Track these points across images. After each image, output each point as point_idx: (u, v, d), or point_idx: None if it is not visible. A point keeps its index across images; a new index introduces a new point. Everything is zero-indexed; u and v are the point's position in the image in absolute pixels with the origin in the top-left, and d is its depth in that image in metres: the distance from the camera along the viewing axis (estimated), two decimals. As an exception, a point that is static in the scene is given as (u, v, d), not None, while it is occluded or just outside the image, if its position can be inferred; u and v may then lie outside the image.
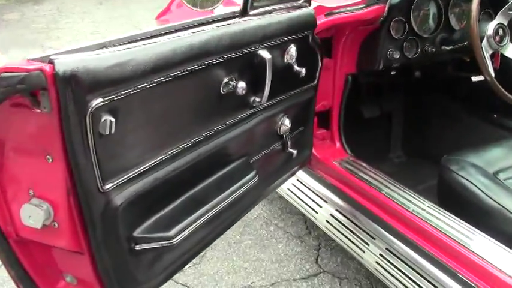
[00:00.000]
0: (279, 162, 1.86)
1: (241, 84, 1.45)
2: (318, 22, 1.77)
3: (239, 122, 1.55)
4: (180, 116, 1.33)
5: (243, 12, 1.49)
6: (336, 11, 1.94)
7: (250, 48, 1.47)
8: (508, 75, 2.18)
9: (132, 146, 1.21)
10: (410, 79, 2.42)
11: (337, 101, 2.20)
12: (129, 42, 1.19)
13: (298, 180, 2.30)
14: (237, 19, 1.47)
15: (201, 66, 1.30)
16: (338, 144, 2.25)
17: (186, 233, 1.33)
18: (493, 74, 1.91)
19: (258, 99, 1.56)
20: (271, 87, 1.56)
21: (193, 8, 1.71)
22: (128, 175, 1.21)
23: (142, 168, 1.24)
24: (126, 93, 1.12)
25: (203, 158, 1.42)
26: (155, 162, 1.27)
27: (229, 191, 1.49)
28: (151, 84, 1.18)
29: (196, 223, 1.37)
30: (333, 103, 2.20)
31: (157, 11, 3.17)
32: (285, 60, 1.64)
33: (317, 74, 1.87)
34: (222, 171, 1.53)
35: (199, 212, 1.39)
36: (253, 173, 1.60)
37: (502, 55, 2.04)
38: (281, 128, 1.77)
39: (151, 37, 1.25)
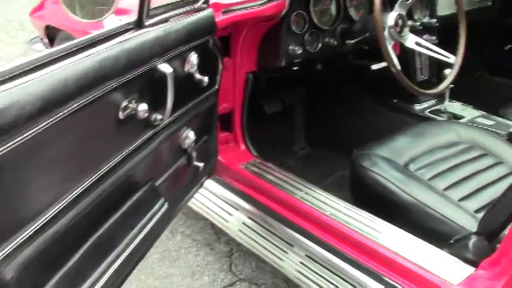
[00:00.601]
0: (186, 178, 1.76)
1: (142, 106, 1.31)
2: (216, 20, 1.66)
3: (141, 146, 1.41)
4: (77, 155, 1.16)
5: (139, 24, 1.35)
6: (234, 7, 1.85)
7: (150, 64, 1.33)
8: (406, 63, 2.22)
9: (21, 203, 1.03)
10: (312, 71, 2.40)
11: (239, 102, 2.12)
12: (7, 79, 0.99)
13: (204, 187, 2.20)
14: (132, 32, 1.33)
15: (97, 94, 1.15)
16: (243, 147, 2.18)
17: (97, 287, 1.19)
18: (399, 67, 1.93)
19: (160, 117, 1.43)
20: (173, 101, 1.44)
21: (76, 18, 1.52)
22: (19, 239, 1.01)
23: (37, 225, 1.05)
24: (9, 145, 0.94)
25: (106, 194, 1.27)
26: (53, 213, 1.09)
27: (138, 226, 1.37)
28: (40, 127, 1.00)
29: (107, 274, 1.23)
30: (234, 104, 2.12)
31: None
32: (186, 69, 1.53)
33: (218, 78, 1.78)
34: (127, 204, 1.39)
35: (109, 259, 1.25)
36: (161, 200, 1.49)
37: (402, 44, 2.06)
38: (185, 142, 1.66)
39: (36, 68, 1.07)
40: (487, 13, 2.76)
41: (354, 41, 2.09)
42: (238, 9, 1.85)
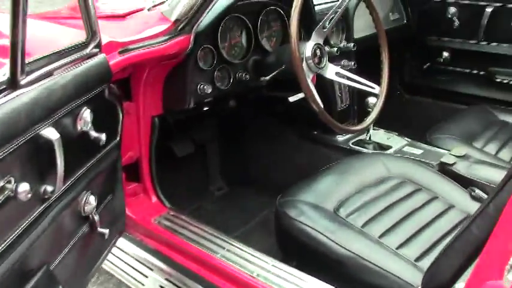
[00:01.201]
0: (92, 246, 1.54)
1: (23, 187, 1.09)
2: (112, 62, 1.48)
3: (30, 227, 1.19)
4: None
5: (12, 83, 1.12)
6: (132, 46, 1.65)
7: (30, 132, 1.12)
8: (324, 92, 2.10)
9: None
10: (224, 108, 2.24)
11: (146, 149, 1.92)
12: None
13: (115, 246, 1.99)
14: (4, 95, 1.10)
15: None
16: (154, 199, 1.99)
17: None
18: (321, 105, 1.80)
19: (50, 189, 1.21)
20: (65, 167, 1.23)
21: None
22: None
23: None
24: None
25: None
26: None
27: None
28: None
29: None
30: (141, 152, 1.92)
31: None
32: (79, 128, 1.32)
33: (119, 129, 1.58)
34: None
35: None
36: (59, 288, 1.26)
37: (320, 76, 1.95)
38: (85, 208, 1.44)
39: None
40: (404, 32, 2.73)
41: (269, 77, 1.94)
42: (137, 48, 1.66)
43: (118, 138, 1.58)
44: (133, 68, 1.75)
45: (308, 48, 1.83)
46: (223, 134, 2.57)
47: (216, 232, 1.84)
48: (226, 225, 2.18)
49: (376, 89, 1.99)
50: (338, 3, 1.89)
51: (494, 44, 2.65)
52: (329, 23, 1.89)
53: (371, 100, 2.09)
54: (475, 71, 2.76)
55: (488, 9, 2.60)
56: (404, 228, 1.66)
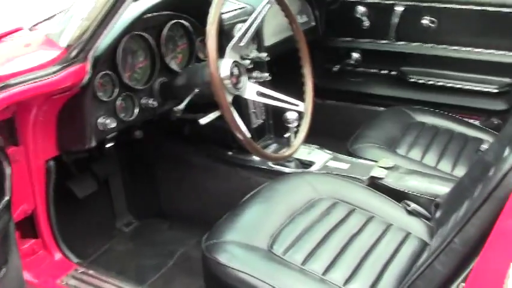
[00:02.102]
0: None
1: None
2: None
3: None
4: None
5: None
6: (14, 80, 1.38)
7: None
8: (237, 108, 1.92)
9: None
10: (128, 139, 1.99)
11: (42, 199, 1.66)
12: None
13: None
14: None
15: None
16: (58, 255, 1.73)
17: None
18: (248, 134, 1.62)
19: None
20: None
21: None
22: None
23: None
24: None
25: None
26: None
27: None
28: None
29: None
30: (36, 203, 1.64)
31: None
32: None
33: (7, 184, 1.31)
34: None
35: None
36: None
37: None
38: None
39: None
40: (312, 34, 2.61)
41: (182, 105, 1.70)
42: (22, 82, 1.38)
43: (7, 197, 1.32)
44: (17, 107, 1.47)
45: (224, 67, 1.63)
46: (128, 163, 2.32)
47: (131, 284, 1.61)
48: (142, 270, 1.98)
49: (301, 106, 1.83)
50: (254, 13, 1.71)
51: (406, 43, 2.60)
52: (245, 36, 1.71)
53: (290, 115, 1.94)
54: (387, 72, 2.70)
55: (398, 8, 2.55)
56: (347, 260, 1.53)
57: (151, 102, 1.75)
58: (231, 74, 1.65)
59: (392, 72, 2.69)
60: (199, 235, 1.72)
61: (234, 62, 1.67)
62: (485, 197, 1.08)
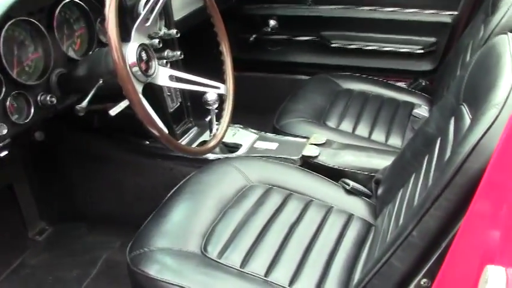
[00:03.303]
0: None
1: None
2: None
3: None
4: None
5: None
6: None
7: None
8: (151, 93, 1.73)
9: None
10: (28, 142, 1.76)
11: None
12: None
13: None
14: None
15: None
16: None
17: None
18: (165, 130, 1.44)
19: None
20: None
21: None
22: None
23: None
24: None
25: None
26: None
27: None
28: None
29: None
30: None
31: None
32: None
33: None
34: None
35: None
36: None
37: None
38: None
39: None
40: (225, 2, 2.42)
41: (85, 102, 1.47)
42: None
43: None
44: None
45: (130, 52, 1.43)
46: (35, 166, 2.08)
47: None
48: (62, 284, 1.84)
49: (222, 88, 1.66)
50: None
51: (325, 6, 2.47)
52: (151, 14, 1.50)
53: (209, 96, 1.78)
54: (308, 38, 2.56)
55: None
56: (290, 254, 1.42)
57: (50, 99, 1.52)
58: (139, 59, 1.45)
59: (313, 38, 2.55)
60: (123, 236, 1.56)
61: (141, 45, 1.47)
62: (444, 184, 0.97)
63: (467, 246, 0.89)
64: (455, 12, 2.37)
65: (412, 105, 2.25)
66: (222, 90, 1.68)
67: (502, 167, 0.88)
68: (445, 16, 2.39)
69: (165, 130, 1.48)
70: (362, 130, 2.09)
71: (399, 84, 2.50)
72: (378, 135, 2.07)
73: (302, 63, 2.59)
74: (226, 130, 1.73)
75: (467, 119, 1.15)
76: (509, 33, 1.21)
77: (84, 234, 2.11)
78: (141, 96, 1.43)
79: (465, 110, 1.21)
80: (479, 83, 1.17)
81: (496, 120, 0.94)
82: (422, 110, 2.18)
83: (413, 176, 1.42)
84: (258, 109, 2.37)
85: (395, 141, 2.05)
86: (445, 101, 1.43)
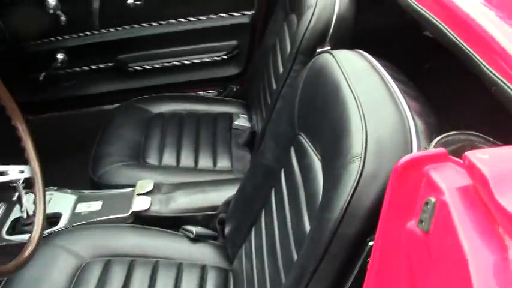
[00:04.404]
0: None
1: None
2: None
3: None
4: None
5: None
6: None
7: None
8: None
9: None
10: None
11: None
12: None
13: None
14: None
15: None
16: None
17: None
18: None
19: None
20: None
21: None
22: None
23: None
24: None
25: None
26: None
27: None
28: None
29: None
30: None
31: None
32: None
33: None
34: None
35: None
36: None
37: None
38: None
39: None
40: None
41: None
42: None
43: None
44: None
45: None
46: None
47: None
48: None
49: (26, 171, 1.40)
50: None
51: (114, 29, 2.26)
52: None
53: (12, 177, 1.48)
54: (103, 65, 2.34)
55: None
56: None
57: None
58: None
59: (109, 64, 2.35)
60: None
61: None
62: (320, 255, 0.90)
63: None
64: (252, 12, 2.32)
65: (230, 116, 2.19)
66: (27, 173, 1.42)
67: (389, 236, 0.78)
68: (243, 17, 2.32)
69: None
70: (187, 159, 1.98)
71: (211, 94, 2.43)
72: (205, 161, 1.98)
73: (103, 93, 2.37)
74: (42, 229, 1.41)
75: (313, 156, 1.11)
76: (334, 53, 1.15)
77: None
78: None
79: (305, 141, 1.17)
80: (316, 114, 1.11)
81: (361, 176, 0.85)
82: (242, 121, 2.13)
83: (263, 212, 1.36)
84: (69, 155, 2.13)
85: (224, 163, 1.97)
86: (277, 128, 1.37)
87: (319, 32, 1.55)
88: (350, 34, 1.58)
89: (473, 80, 0.89)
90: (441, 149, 0.66)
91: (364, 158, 0.85)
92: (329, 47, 1.55)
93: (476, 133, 0.72)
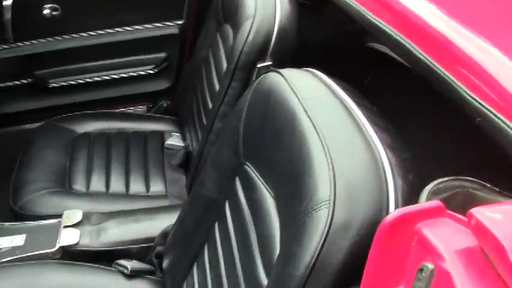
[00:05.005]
0: None
1: None
2: None
3: None
4: None
5: None
6: None
7: None
8: None
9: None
10: None
11: None
12: None
13: None
14: None
15: None
16: None
17: None
18: None
19: None
20: None
21: None
22: None
23: None
24: None
25: None
26: None
27: None
28: None
29: None
30: None
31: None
32: None
33: None
34: None
35: None
36: None
37: None
38: None
39: None
40: None
41: None
42: None
43: None
44: None
45: None
46: None
47: None
48: None
49: None
50: None
51: (30, 42, 2.08)
52: None
53: None
54: (20, 82, 2.15)
55: (6, 2, 1.96)
56: None
57: None
58: None
59: (28, 81, 2.16)
60: None
61: None
62: None
63: None
64: (181, 21, 2.20)
65: (161, 134, 2.05)
66: None
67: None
68: (172, 27, 2.19)
69: None
70: (117, 184, 1.83)
71: (140, 111, 2.29)
72: (137, 186, 1.83)
73: (22, 111, 2.18)
74: None
75: (263, 190, 1.00)
76: (284, 72, 1.05)
77: None
78: None
79: (252, 172, 1.06)
80: (266, 144, 1.01)
81: (331, 226, 0.73)
82: (175, 140, 2.00)
83: (206, 247, 1.25)
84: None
85: (158, 187, 1.84)
86: (219, 155, 1.25)
87: (259, 46, 1.45)
88: (293, 47, 1.49)
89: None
90: (437, 202, 0.57)
91: (334, 204, 0.73)
92: (270, 62, 1.46)
93: (471, 178, 0.63)
